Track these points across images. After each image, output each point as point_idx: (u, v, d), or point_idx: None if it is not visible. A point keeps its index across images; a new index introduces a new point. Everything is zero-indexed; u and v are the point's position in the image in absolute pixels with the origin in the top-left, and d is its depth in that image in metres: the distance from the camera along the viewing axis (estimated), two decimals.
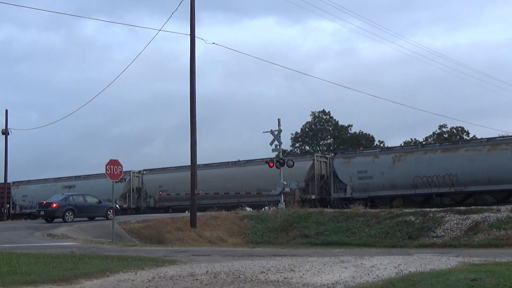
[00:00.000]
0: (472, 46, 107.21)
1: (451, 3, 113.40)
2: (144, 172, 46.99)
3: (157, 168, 47.56)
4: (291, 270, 10.13)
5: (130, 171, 44.48)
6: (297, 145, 73.50)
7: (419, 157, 34.72)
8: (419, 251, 17.34)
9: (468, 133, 62.69)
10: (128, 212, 43.11)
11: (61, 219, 29.32)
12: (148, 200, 45.56)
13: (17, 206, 50.80)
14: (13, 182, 52.02)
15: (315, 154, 40.53)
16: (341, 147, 66.41)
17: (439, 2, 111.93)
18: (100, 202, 31.46)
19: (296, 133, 73.00)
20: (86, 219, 30.62)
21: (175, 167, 45.60)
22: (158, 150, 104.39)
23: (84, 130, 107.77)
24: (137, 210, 45.52)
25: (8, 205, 52.77)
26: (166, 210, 43.72)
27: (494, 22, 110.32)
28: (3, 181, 49.81)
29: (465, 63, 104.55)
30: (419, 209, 26.24)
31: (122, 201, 43.86)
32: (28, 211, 47.35)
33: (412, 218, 24.48)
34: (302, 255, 14.22)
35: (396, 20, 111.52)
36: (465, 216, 23.28)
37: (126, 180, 44.33)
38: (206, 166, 42.85)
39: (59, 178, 51.87)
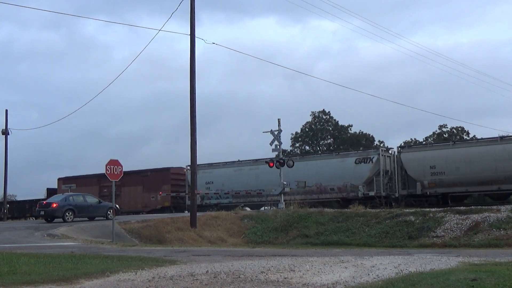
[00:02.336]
0: (473, 45, 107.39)
1: (452, 2, 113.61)
2: (400, 149, 36.97)
3: (421, 144, 41.39)
4: (291, 270, 10.13)
5: (378, 147, 37.19)
6: (297, 145, 73.51)
7: (498, 149, 32.21)
8: (419, 251, 17.34)
9: (468, 133, 62.74)
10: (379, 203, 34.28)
11: (61, 219, 29.32)
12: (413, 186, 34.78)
13: (197, 196, 44.48)
14: (200, 165, 44.48)
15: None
16: (341, 147, 66.40)
17: (440, 2, 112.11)
18: (100, 202, 31.48)
19: (296, 133, 73.02)
20: (86, 219, 30.63)
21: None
22: (158, 150, 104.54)
23: (84, 130, 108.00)
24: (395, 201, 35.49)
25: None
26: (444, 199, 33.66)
27: (495, 21, 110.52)
28: (182, 166, 44.93)
29: (466, 63, 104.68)
30: (419, 209, 26.26)
31: (365, 187, 35.33)
32: (213, 201, 41.18)
33: (412, 218, 24.49)
34: (302, 255, 14.21)
35: (397, 19, 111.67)
36: (465, 216, 23.29)
37: (373, 159, 35.71)
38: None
39: (256, 160, 42.15)
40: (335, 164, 37.03)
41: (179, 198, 43.38)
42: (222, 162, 44.33)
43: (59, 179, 51.36)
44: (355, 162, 35.97)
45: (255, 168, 39.52)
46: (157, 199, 42.86)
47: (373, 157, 35.75)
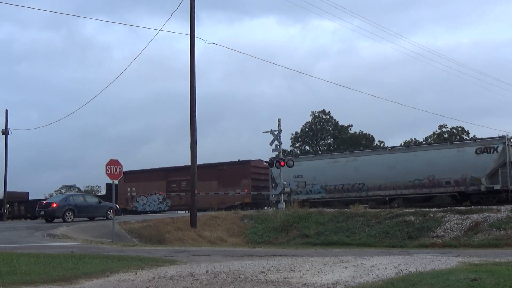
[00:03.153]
0: (473, 45, 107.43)
1: (452, 2, 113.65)
2: None
3: None
4: (291, 270, 10.13)
5: (504, 136, 33.01)
6: (297, 145, 73.51)
7: None
8: (419, 251, 17.34)
9: (468, 133, 62.75)
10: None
11: (61, 219, 29.33)
12: None
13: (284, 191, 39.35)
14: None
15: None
16: (341, 147, 66.40)
17: (440, 1, 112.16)
18: (100, 202, 31.49)
19: (296, 133, 73.02)
20: (86, 219, 30.64)
21: None
22: (158, 149, 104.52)
23: (84, 130, 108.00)
24: None
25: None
26: None
27: (496, 21, 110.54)
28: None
29: (466, 63, 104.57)
30: (419, 209, 26.26)
31: (488, 180, 31.64)
32: (302, 196, 36.47)
33: (412, 218, 24.49)
34: (302, 255, 14.21)
35: (397, 19, 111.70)
36: (465, 216, 23.30)
37: (498, 149, 32.20)
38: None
39: (352, 151, 39.73)
40: (451, 155, 32.96)
41: (259, 194, 39.83)
42: (312, 154, 41.63)
43: None
44: (476, 152, 32.29)
45: (352, 160, 35.58)
46: (235, 194, 39.27)
47: (498, 147, 32.09)
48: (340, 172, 35.34)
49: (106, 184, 50.53)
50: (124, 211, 42.49)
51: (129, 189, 45.86)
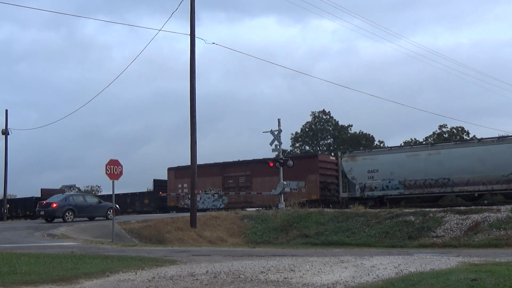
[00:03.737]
0: (473, 45, 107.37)
1: (452, 2, 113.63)
2: None
3: None
4: (291, 270, 10.12)
5: None
6: (297, 145, 73.53)
7: None
8: (419, 251, 17.35)
9: (468, 133, 62.76)
10: None
11: (61, 219, 29.33)
12: None
13: (356, 187, 34.82)
14: (343, 152, 37.80)
15: None
16: (341, 147, 66.41)
17: (441, 1, 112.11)
18: (100, 202, 31.49)
19: (296, 133, 73.04)
20: (86, 219, 30.64)
21: None
22: (158, 149, 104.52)
23: (84, 130, 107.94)
24: None
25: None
26: None
27: (496, 21, 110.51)
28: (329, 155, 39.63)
29: (466, 62, 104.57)
30: (419, 209, 26.26)
31: None
32: (377, 193, 34.35)
33: (412, 218, 24.50)
34: (302, 255, 14.21)
35: (397, 19, 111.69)
36: (465, 216, 23.31)
37: None
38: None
39: (433, 144, 38.54)
40: (505, 151, 30.75)
41: (327, 190, 37.24)
42: (387, 147, 39.25)
43: (169, 169, 44.17)
44: None
45: (435, 153, 33.17)
46: (301, 190, 36.26)
47: None
48: (421, 166, 32.99)
49: (155, 180, 47.96)
50: (175, 209, 40.46)
51: (180, 185, 42.43)
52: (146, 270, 10.41)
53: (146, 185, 56.76)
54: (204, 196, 40.68)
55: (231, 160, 42.82)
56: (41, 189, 52.10)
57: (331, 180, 37.58)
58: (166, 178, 45.29)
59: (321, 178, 37.11)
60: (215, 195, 40.93)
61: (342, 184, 35.55)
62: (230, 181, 40.32)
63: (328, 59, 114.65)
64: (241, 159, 42.59)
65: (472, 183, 31.19)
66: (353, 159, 35.19)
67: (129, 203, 47.10)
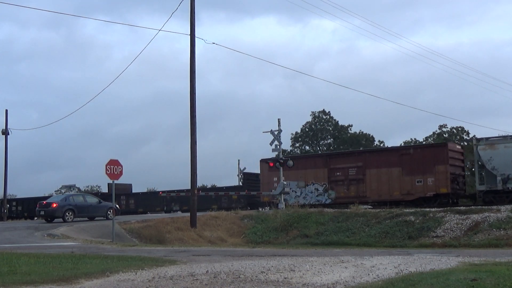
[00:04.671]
0: (473, 45, 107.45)
1: (453, 2, 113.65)
2: None
3: None
4: (291, 270, 10.12)
5: None
6: (297, 145, 73.54)
7: None
8: (419, 251, 17.34)
9: (468, 133, 62.79)
10: None
11: (61, 219, 29.32)
12: None
13: (497, 179, 30.55)
14: (478, 140, 33.07)
15: None
16: (341, 147, 66.43)
17: (441, 1, 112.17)
18: (100, 202, 31.48)
19: (296, 133, 73.08)
20: (86, 219, 30.63)
21: None
22: (158, 149, 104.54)
23: (83, 130, 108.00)
24: None
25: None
26: None
27: (496, 21, 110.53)
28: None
29: (467, 62, 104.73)
30: (419, 209, 26.27)
31: None
32: None
33: (412, 218, 24.50)
34: (302, 255, 14.21)
35: (397, 19, 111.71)
36: (465, 216, 23.31)
37: None
38: None
39: None
40: None
41: (456, 183, 33.38)
42: None
43: (262, 161, 39.45)
44: None
45: None
46: (427, 184, 32.53)
47: None
48: None
49: (244, 173, 44.39)
50: (271, 204, 36.35)
51: (275, 178, 37.27)
52: (146, 270, 10.41)
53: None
54: (306, 190, 36.57)
55: (337, 151, 39.58)
56: (108, 183, 48.75)
57: (459, 172, 33.75)
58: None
59: (451, 169, 32.64)
60: (319, 189, 36.46)
61: (478, 175, 31.50)
62: (338, 174, 35.76)
63: (328, 59, 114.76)
64: (352, 149, 38.92)
65: None
66: (492, 147, 31.03)
67: (213, 199, 42.57)
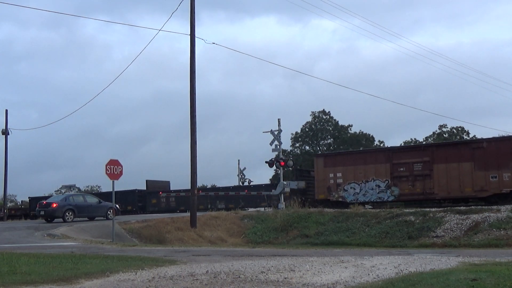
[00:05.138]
0: (474, 45, 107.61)
1: (453, 1, 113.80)
2: None
3: None
4: (291, 270, 10.12)
5: None
6: (297, 145, 73.55)
7: None
8: (419, 251, 17.34)
9: (468, 133, 62.81)
10: None
11: (61, 219, 29.33)
12: None
13: None
14: None
15: None
16: (341, 147, 66.43)
17: (441, 1, 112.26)
18: (100, 202, 31.48)
19: (296, 133, 73.10)
20: (86, 219, 30.63)
21: None
22: (158, 149, 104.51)
23: (83, 130, 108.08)
24: None
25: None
26: None
27: (497, 21, 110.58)
28: None
29: (467, 62, 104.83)
30: (419, 209, 26.27)
31: None
32: None
33: (412, 218, 24.49)
34: (302, 255, 14.21)
35: (398, 19, 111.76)
36: (465, 216, 23.31)
37: None
38: None
39: None
40: None
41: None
42: None
43: (317, 157, 38.06)
44: None
45: None
46: (502, 179, 30.30)
47: None
48: None
49: (298, 169, 41.67)
50: (326, 203, 34.70)
51: (331, 175, 35.66)
52: (146, 270, 10.41)
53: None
54: (365, 187, 34.68)
55: (399, 146, 37.08)
56: (146, 180, 47.59)
57: None
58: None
59: None
60: (381, 185, 34.33)
61: None
62: (401, 169, 33.67)
63: (328, 59, 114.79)
64: (418, 143, 36.57)
65: None
66: None
67: (257, 197, 41.23)
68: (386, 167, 33.96)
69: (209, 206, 42.91)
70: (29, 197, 54.85)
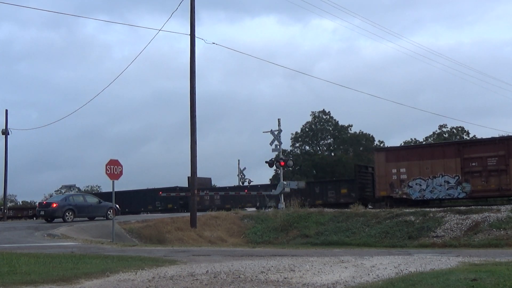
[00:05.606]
0: (474, 45, 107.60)
1: (453, 1, 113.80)
2: None
3: None
4: (291, 270, 10.12)
5: None
6: (297, 145, 73.52)
7: None
8: (419, 251, 17.34)
9: (468, 133, 62.80)
10: None
11: (61, 219, 29.32)
12: None
13: None
14: None
15: None
16: (341, 147, 66.41)
17: (441, 1, 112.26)
18: (100, 202, 31.48)
19: (296, 133, 73.05)
20: (86, 219, 30.62)
21: None
22: (158, 149, 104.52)
23: (83, 130, 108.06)
24: None
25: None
26: None
27: (497, 21, 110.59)
28: None
29: (467, 62, 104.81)
30: (419, 209, 26.26)
31: None
32: None
33: (412, 218, 24.49)
34: (302, 255, 14.21)
35: (398, 19, 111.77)
36: (465, 216, 23.30)
37: None
38: None
39: None
40: None
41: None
42: None
43: (377, 151, 36.29)
44: None
45: None
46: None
47: None
48: None
49: (356, 165, 40.37)
50: (389, 200, 32.69)
51: (394, 170, 33.41)
52: (146, 270, 10.41)
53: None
54: (433, 183, 32.47)
55: (470, 139, 35.04)
56: (188, 177, 46.34)
57: None
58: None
59: None
60: (450, 181, 32.10)
61: None
62: (473, 164, 31.39)
63: (328, 59, 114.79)
64: (491, 136, 34.27)
65: None
66: None
67: (318, 193, 38.62)
68: (456, 161, 31.73)
69: (258, 204, 40.72)
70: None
